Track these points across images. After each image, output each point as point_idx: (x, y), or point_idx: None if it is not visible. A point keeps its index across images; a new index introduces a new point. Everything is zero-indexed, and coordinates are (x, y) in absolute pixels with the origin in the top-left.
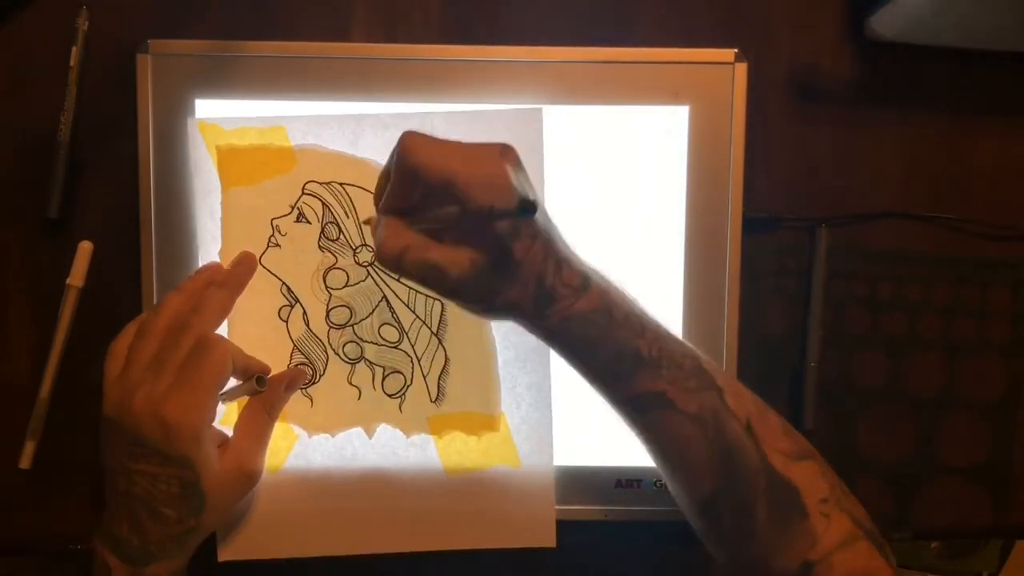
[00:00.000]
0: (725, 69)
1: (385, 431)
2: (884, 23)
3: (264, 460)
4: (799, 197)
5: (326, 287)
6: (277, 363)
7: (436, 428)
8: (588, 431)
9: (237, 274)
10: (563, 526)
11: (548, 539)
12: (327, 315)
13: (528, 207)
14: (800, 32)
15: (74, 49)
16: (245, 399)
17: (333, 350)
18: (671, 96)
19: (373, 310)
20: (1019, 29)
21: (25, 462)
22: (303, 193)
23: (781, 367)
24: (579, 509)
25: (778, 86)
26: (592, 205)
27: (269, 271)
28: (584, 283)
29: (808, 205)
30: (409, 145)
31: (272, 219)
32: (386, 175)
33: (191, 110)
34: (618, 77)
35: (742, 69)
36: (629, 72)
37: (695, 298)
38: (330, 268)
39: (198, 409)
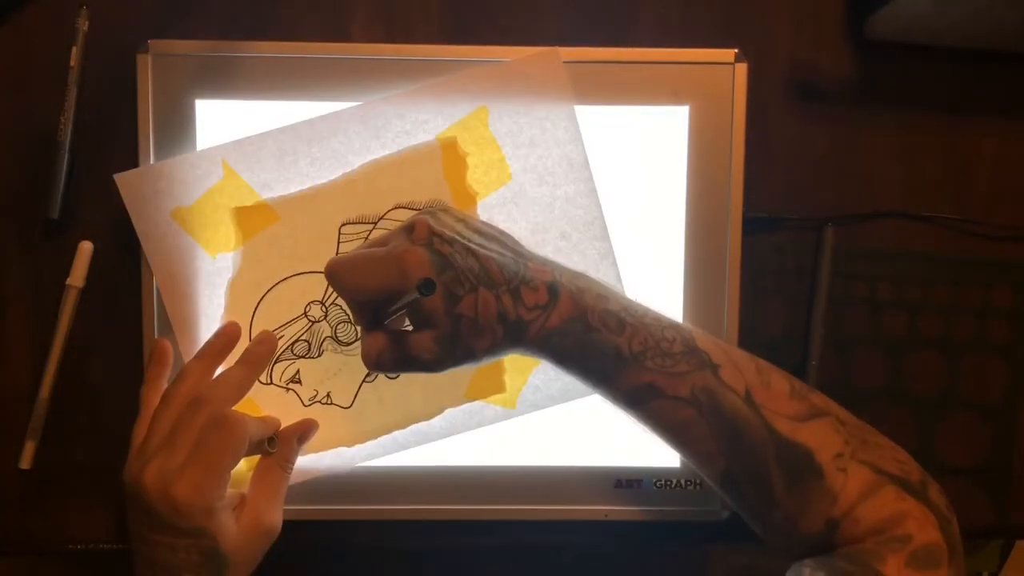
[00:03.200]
0: (725, 69)
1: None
2: (884, 23)
3: (281, 514)
4: (799, 197)
5: (350, 344)
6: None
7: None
8: (588, 431)
9: (257, 353)
10: (563, 526)
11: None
12: (337, 339)
13: (424, 286)
14: (800, 32)
15: (74, 49)
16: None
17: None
18: (671, 96)
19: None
20: (1019, 29)
21: (25, 462)
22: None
23: (781, 367)
24: (579, 509)
25: (778, 86)
26: None
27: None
28: (552, 295)
29: (808, 205)
30: (332, 279)
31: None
32: None
33: (191, 111)
34: (618, 77)
35: (742, 69)
36: (629, 72)
37: (695, 298)
38: (334, 335)
39: (210, 488)
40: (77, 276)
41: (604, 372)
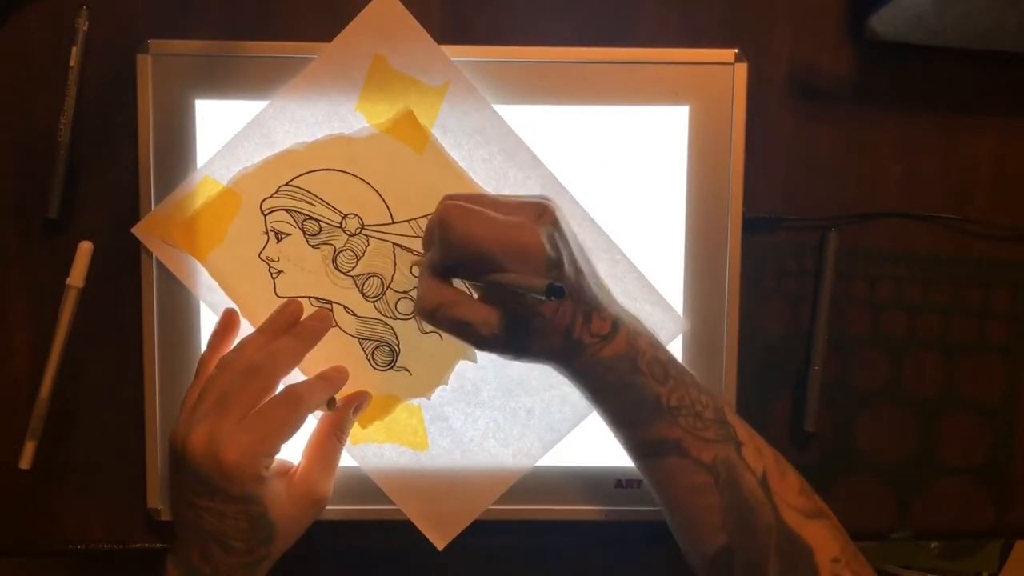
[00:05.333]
0: (725, 69)
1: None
2: (884, 23)
3: (332, 485)
4: (799, 197)
5: (343, 273)
6: (358, 369)
7: None
8: (588, 431)
9: (311, 328)
10: (563, 526)
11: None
12: (363, 294)
13: (555, 292)
14: (800, 32)
15: (74, 49)
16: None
17: (391, 317)
18: (671, 96)
19: (395, 264)
20: (1019, 29)
21: (25, 462)
22: (264, 215)
23: (782, 367)
24: (579, 509)
25: (778, 86)
26: (592, 205)
27: (292, 297)
28: (613, 329)
29: (808, 205)
30: (447, 218)
31: (259, 255)
32: (431, 230)
33: (191, 111)
34: (618, 77)
35: (742, 69)
36: (629, 72)
37: (695, 298)
38: (334, 256)
39: (260, 455)
40: (77, 276)
41: (636, 416)
